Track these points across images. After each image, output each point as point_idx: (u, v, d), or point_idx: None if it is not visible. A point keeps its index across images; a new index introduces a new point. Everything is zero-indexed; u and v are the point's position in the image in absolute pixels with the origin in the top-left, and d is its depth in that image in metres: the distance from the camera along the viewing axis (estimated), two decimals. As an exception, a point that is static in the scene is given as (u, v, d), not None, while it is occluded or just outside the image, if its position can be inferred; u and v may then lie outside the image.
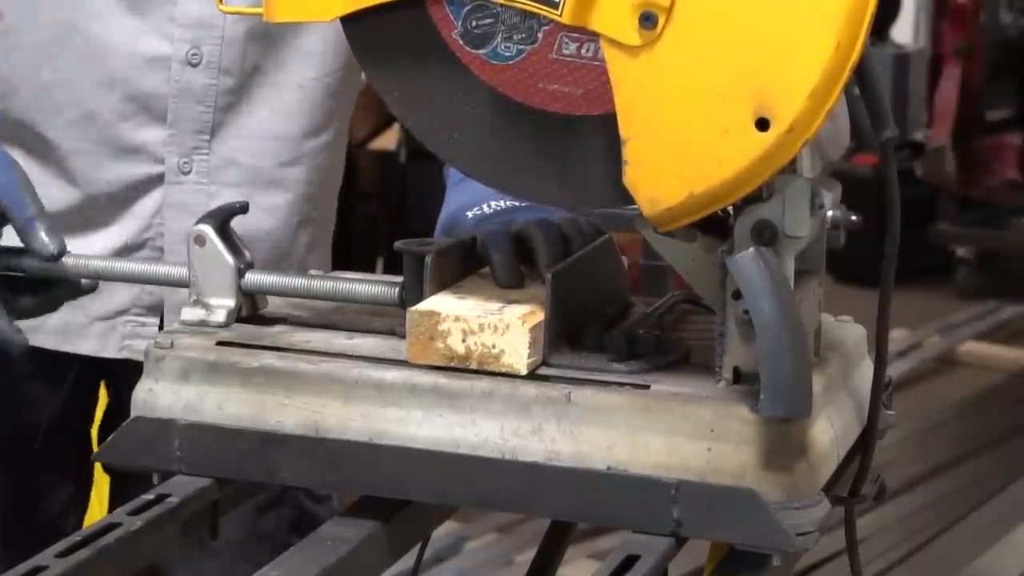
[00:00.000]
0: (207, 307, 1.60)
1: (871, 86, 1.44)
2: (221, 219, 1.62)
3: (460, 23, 1.45)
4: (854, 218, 1.51)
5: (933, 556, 4.29)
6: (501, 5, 1.42)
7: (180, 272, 1.64)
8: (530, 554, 1.91)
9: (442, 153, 1.51)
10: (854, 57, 1.34)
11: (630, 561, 1.36)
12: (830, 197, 1.48)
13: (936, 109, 7.00)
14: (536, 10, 1.41)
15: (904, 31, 8.04)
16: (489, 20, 1.44)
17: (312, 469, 1.49)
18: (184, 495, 1.49)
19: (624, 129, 1.40)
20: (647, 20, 1.37)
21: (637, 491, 1.40)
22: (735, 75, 1.35)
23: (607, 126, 1.41)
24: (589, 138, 1.44)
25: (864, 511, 4.11)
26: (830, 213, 1.49)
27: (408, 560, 1.70)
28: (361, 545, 1.46)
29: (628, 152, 1.40)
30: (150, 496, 1.48)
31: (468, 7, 1.44)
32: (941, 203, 6.99)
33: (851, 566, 1.70)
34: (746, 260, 1.37)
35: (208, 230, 1.60)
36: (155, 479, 1.53)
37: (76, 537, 1.39)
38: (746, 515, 1.37)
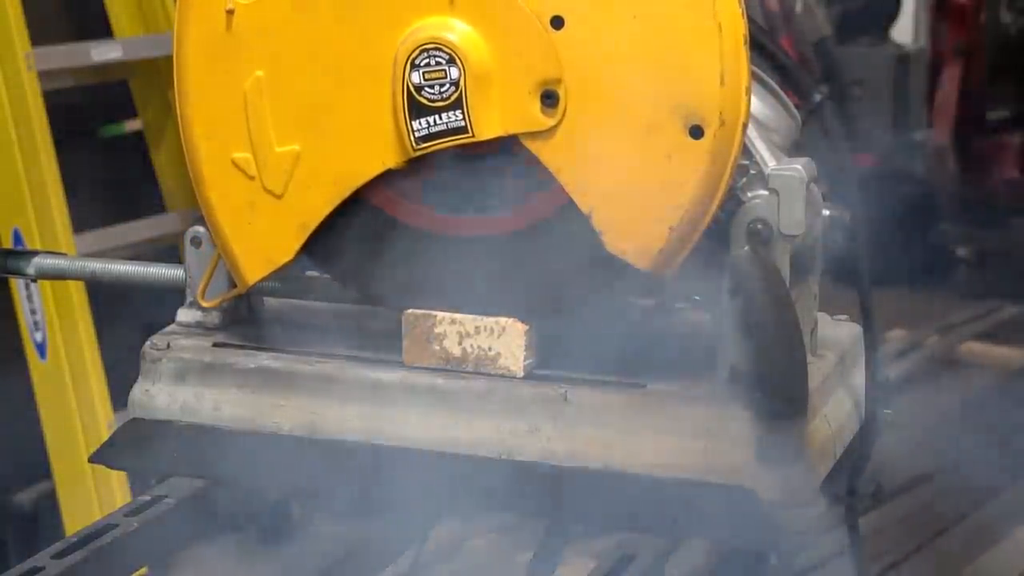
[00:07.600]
0: (204, 308, 1.60)
1: (777, 59, 1.46)
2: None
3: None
4: (848, 216, 1.51)
5: (933, 556, 4.28)
6: (421, 158, 1.42)
7: (177, 273, 1.64)
8: (530, 554, 1.91)
9: None
10: (742, 30, 1.35)
11: (627, 560, 1.36)
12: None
13: (936, 109, 6.98)
14: (452, 143, 1.41)
15: (904, 31, 8.01)
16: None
17: (309, 470, 1.49)
18: (181, 496, 1.49)
19: (583, 204, 1.40)
20: (549, 98, 1.38)
21: (634, 490, 1.40)
22: (650, 103, 1.36)
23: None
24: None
25: (864, 511, 4.10)
26: (827, 212, 1.49)
27: (407, 560, 1.70)
28: (359, 545, 1.46)
29: (597, 222, 1.40)
30: (147, 497, 1.48)
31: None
32: (941, 203, 6.98)
33: (855, 564, 1.69)
34: (741, 258, 1.37)
35: (204, 231, 1.60)
36: (152, 480, 1.53)
37: (73, 538, 1.39)
38: (743, 514, 1.37)
